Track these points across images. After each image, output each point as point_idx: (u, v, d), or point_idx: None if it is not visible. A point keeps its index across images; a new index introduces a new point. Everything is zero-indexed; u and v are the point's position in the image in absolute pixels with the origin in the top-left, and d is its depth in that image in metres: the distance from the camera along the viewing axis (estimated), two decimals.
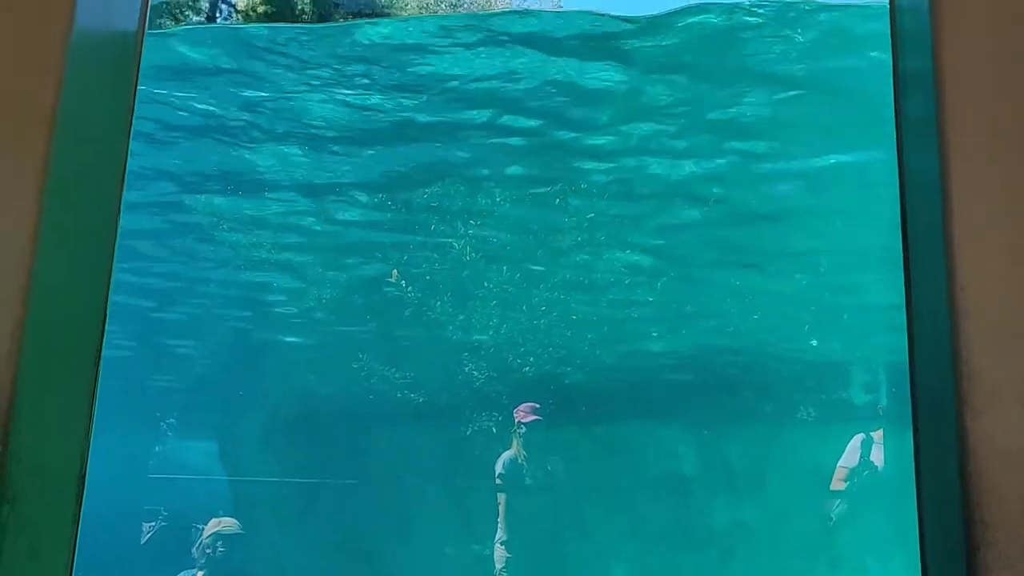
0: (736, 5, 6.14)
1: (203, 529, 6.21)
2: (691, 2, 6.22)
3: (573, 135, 7.27)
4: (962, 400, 1.16)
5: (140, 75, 1.25)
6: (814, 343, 10.22)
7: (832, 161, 7.31)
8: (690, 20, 6.24)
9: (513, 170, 7.84)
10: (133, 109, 1.22)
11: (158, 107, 6.99)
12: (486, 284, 9.46)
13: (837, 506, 7.96)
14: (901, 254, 1.41)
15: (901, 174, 1.40)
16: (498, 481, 7.61)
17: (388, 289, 9.63)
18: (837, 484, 7.83)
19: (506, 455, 7.68)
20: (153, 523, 9.24)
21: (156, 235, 8.82)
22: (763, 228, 8.27)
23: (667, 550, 9.89)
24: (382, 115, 7.19)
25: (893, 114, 1.47)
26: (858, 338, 9.91)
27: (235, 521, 6.32)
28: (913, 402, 1.30)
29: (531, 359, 10.54)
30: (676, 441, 10.49)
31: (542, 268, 9.21)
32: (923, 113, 1.31)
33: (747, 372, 10.72)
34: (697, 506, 10.16)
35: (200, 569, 6.01)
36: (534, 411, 7.70)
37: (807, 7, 6.12)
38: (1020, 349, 1.20)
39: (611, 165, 7.63)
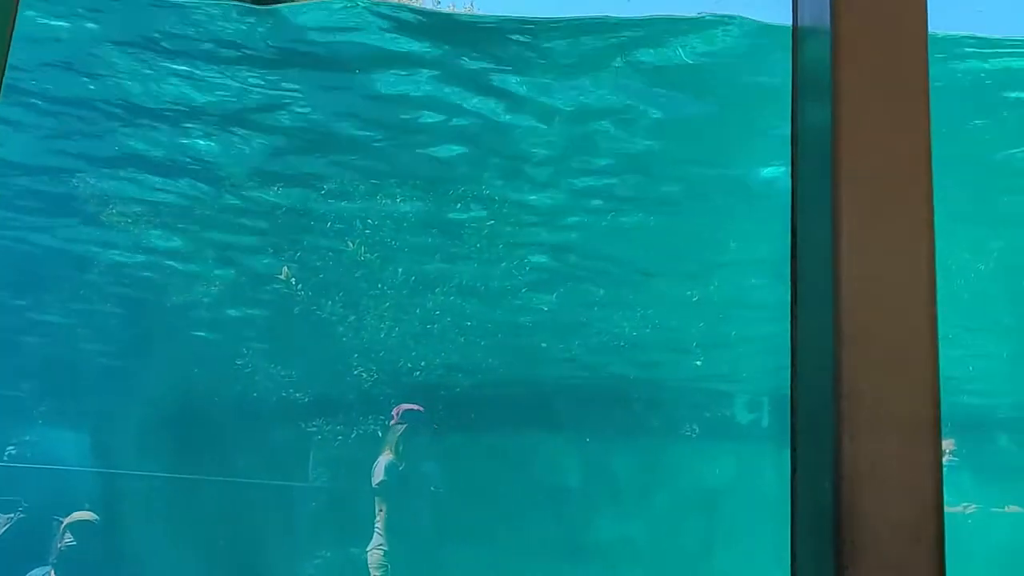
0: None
1: (62, 523, 5.94)
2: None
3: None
4: (840, 422, 1.16)
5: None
6: (698, 363, 10.42)
7: (740, 173, 7.41)
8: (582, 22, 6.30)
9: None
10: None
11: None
12: (380, 285, 9.34)
13: (719, 524, 8.13)
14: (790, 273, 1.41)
15: (793, 193, 1.41)
16: (374, 485, 7.40)
17: (278, 286, 9.43)
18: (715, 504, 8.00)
19: (382, 459, 7.47)
20: (11, 515, 8.79)
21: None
22: (659, 240, 8.38)
23: (550, 562, 9.92)
24: (287, 102, 7.03)
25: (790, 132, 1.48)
26: (745, 357, 10.15)
27: (92, 514, 6.05)
28: (792, 422, 1.30)
29: (422, 363, 10.46)
30: (564, 452, 10.56)
31: (439, 272, 9.16)
32: (818, 135, 1.31)
33: (637, 386, 10.87)
34: (582, 519, 10.23)
35: (54, 565, 5.73)
36: (413, 414, 7.57)
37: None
38: (900, 372, 1.20)
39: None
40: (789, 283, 1.38)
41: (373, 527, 7.31)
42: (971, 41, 6.12)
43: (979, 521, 7.75)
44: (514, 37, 6.31)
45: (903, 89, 1.21)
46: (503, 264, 8.85)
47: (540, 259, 8.84)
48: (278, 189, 7.97)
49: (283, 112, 7.12)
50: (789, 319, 1.36)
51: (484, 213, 8.14)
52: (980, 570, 8.45)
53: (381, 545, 7.24)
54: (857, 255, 1.17)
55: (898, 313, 1.15)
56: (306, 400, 10.85)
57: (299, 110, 7.09)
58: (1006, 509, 9.41)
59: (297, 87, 6.83)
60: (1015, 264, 8.15)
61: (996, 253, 8.03)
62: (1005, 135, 6.86)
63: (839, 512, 1.09)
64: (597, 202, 7.93)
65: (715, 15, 6.12)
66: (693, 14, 6.17)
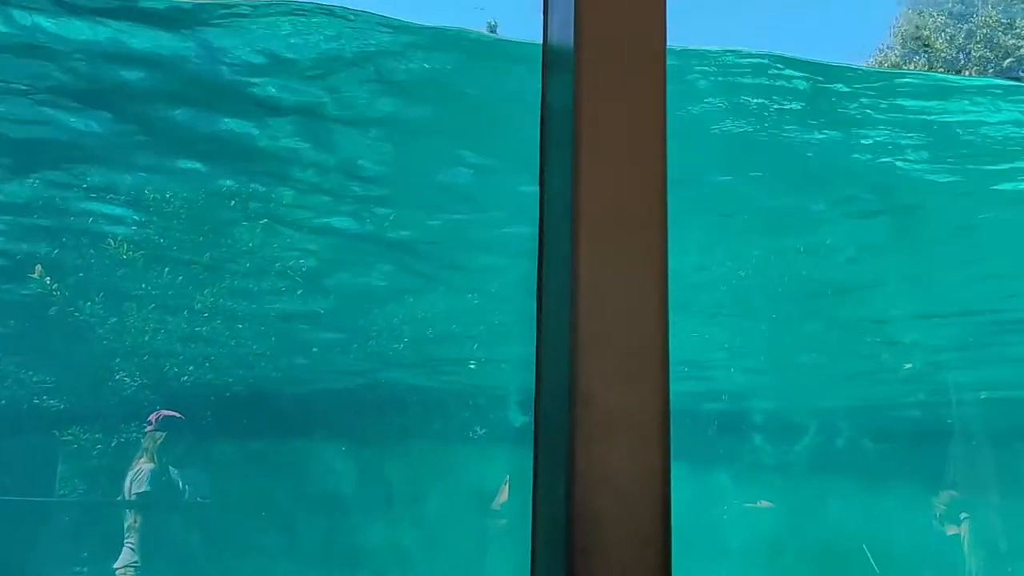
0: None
1: None
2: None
3: (255, 133, 6.99)
4: (575, 427, 1.16)
5: None
6: (472, 365, 10.55)
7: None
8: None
9: (186, 164, 7.41)
10: None
11: None
12: (144, 286, 8.83)
13: (492, 527, 8.21)
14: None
15: (541, 203, 1.41)
16: (127, 497, 6.84)
17: (31, 285, 8.75)
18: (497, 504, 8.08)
19: (136, 468, 6.93)
20: None
21: None
22: (438, 243, 8.40)
23: (317, 571, 9.73)
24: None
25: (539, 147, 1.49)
26: (524, 360, 10.32)
27: None
28: (536, 428, 1.30)
29: (190, 368, 9.99)
30: (336, 458, 10.39)
31: (209, 272, 8.77)
32: (561, 150, 1.33)
33: (414, 391, 10.86)
34: (353, 526, 10.10)
35: None
36: (172, 420, 7.14)
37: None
38: (634, 378, 1.22)
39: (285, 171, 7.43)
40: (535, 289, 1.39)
41: (124, 542, 6.76)
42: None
43: (735, 517, 8.24)
44: None
45: (642, 105, 1.24)
46: (277, 265, 8.60)
47: (312, 262, 8.66)
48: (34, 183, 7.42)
49: None
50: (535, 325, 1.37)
51: (260, 209, 7.90)
52: (737, 563, 9.02)
53: (134, 563, 6.70)
54: (593, 264, 1.19)
55: (631, 321, 1.18)
56: (61, 407, 10.11)
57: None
58: (759, 504, 10.07)
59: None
60: (772, 271, 8.70)
61: (754, 261, 8.55)
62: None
63: (572, 518, 1.09)
64: (370, 206, 7.85)
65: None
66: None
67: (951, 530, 8.13)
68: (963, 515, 8.10)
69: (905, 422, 12.32)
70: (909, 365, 10.44)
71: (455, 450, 10.59)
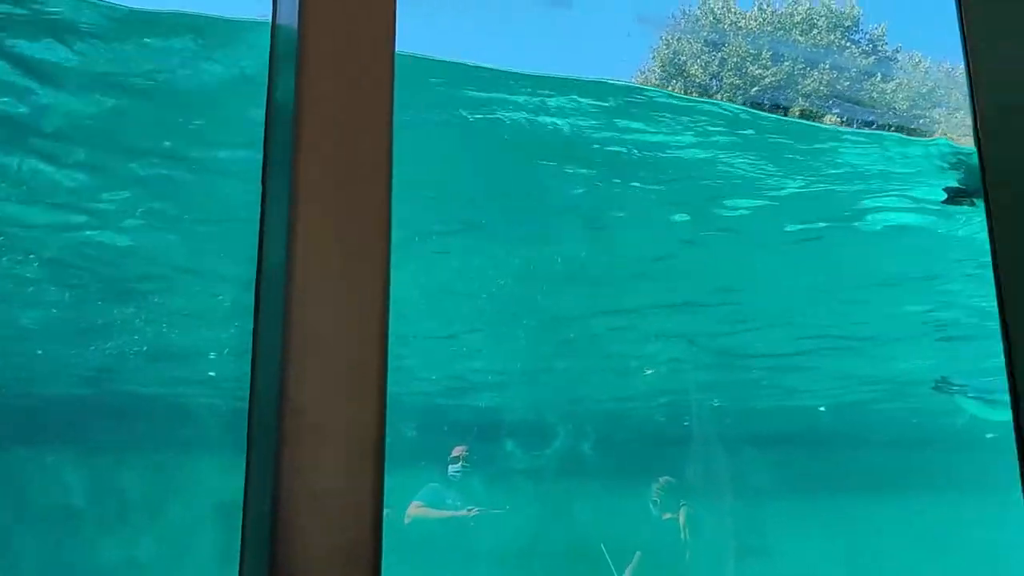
0: None
1: None
2: None
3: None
4: (284, 439, 1.10)
5: None
6: (212, 374, 10.11)
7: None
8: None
9: None
10: None
11: None
12: None
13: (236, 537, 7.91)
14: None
15: (263, 207, 1.35)
16: None
17: None
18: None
19: None
20: None
21: None
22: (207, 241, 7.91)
23: None
24: None
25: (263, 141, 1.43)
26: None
27: None
28: (248, 439, 1.23)
29: None
30: (67, 469, 9.67)
31: None
32: (282, 150, 1.27)
33: (145, 401, 10.29)
34: (84, 541, 9.45)
35: None
36: None
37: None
38: (350, 391, 1.18)
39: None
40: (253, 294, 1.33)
41: None
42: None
43: (483, 523, 8.37)
44: None
45: (367, 101, 1.20)
46: (3, 260, 7.87)
47: (36, 265, 7.97)
48: None
49: None
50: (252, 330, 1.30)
51: None
52: (485, 569, 9.19)
53: None
54: (310, 273, 1.14)
55: (348, 333, 1.13)
56: None
57: None
58: (469, 511, 10.23)
59: None
60: (532, 279, 8.92)
61: (515, 269, 8.74)
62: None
63: (276, 537, 1.04)
64: (107, 205, 7.26)
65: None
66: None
67: (666, 516, 8.54)
68: (683, 507, 8.55)
69: (650, 424, 13.04)
70: (650, 371, 11.04)
71: (194, 461, 10.07)
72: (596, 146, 6.99)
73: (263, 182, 1.31)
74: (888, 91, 20.75)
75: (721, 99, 20.13)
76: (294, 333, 1.10)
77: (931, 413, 13.06)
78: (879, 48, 22.57)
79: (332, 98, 1.17)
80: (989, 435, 11.97)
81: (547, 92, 6.47)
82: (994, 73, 2.63)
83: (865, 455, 13.64)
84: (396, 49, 1.25)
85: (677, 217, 7.76)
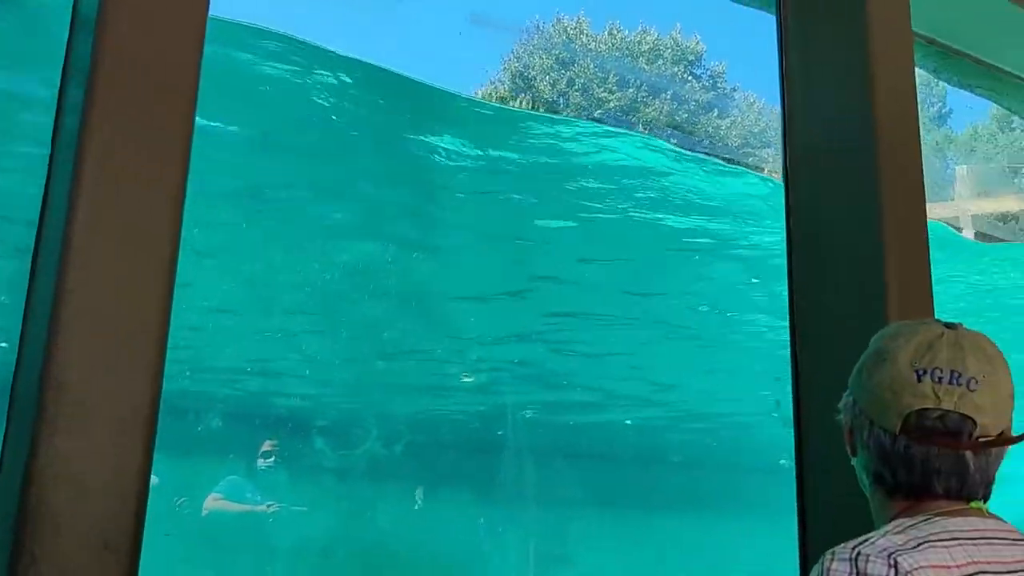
0: None
1: None
2: None
3: None
4: (42, 415, 1.04)
5: None
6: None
7: None
8: None
9: None
10: None
11: None
12: None
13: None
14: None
15: (46, 191, 1.28)
16: None
17: None
18: None
19: None
20: None
21: None
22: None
23: None
24: None
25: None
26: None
27: None
28: (8, 413, 1.14)
29: None
30: None
31: None
32: (72, 113, 1.21)
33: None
34: None
35: None
36: None
37: None
38: (120, 367, 1.12)
39: None
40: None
41: None
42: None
43: (285, 519, 8.19)
44: None
45: (170, 69, 1.14)
46: None
47: None
48: None
49: None
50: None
51: None
52: (286, 565, 8.97)
53: None
54: (92, 236, 1.07)
55: (123, 309, 1.08)
56: None
57: None
58: (267, 507, 10.02)
59: None
60: (360, 276, 8.82)
61: (342, 265, 8.63)
62: None
63: (24, 518, 0.97)
64: None
65: None
66: None
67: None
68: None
69: (464, 431, 13.11)
70: (470, 379, 11.14)
71: None
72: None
73: (52, 144, 1.23)
74: (723, 127, 21.70)
75: (569, 115, 20.51)
76: (66, 302, 1.04)
77: (728, 438, 13.75)
78: (718, 84, 23.64)
79: (131, 63, 1.11)
80: (782, 461, 12.69)
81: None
82: (806, 115, 2.79)
83: (665, 473, 14.21)
84: (209, 15, 1.21)
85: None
